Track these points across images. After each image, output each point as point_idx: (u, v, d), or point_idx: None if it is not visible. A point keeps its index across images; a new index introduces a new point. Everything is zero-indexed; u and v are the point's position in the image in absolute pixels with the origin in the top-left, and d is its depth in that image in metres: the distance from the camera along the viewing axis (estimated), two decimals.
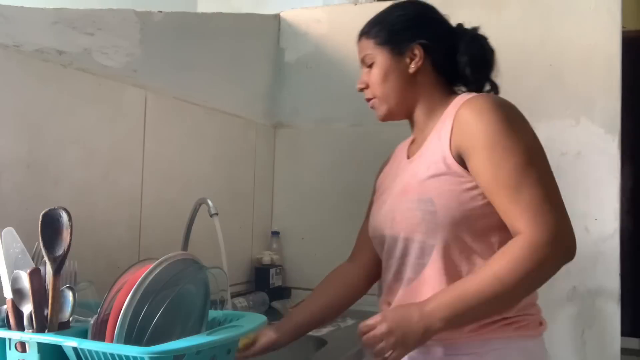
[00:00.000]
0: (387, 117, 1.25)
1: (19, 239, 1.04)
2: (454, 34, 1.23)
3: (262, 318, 1.10)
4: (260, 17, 2.32)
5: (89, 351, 0.92)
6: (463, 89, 1.25)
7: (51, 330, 0.98)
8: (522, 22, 2.07)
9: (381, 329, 1.03)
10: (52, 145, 1.34)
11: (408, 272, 1.16)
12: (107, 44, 1.51)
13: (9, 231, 1.03)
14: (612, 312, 1.92)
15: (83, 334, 0.99)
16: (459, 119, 1.11)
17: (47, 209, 1.00)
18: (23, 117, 1.27)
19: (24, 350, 0.96)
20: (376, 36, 1.22)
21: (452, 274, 1.10)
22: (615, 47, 1.96)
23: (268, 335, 1.28)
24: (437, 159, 1.12)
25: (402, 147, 1.33)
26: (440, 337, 1.07)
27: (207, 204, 1.61)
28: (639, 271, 3.10)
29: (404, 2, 1.27)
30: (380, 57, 1.21)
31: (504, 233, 1.08)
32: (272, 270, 2.17)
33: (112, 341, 0.94)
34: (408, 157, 1.26)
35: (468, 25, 1.29)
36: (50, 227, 1.00)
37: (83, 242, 1.23)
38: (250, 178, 2.20)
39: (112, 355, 0.90)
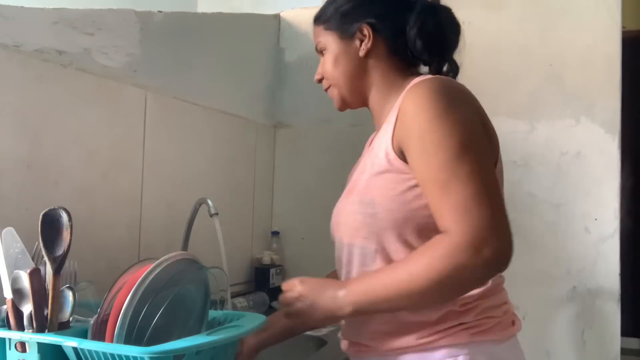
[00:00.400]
0: (343, 105, 1.19)
1: (19, 239, 1.04)
2: (406, 8, 1.11)
3: (262, 318, 1.10)
4: (260, 17, 2.32)
5: (89, 351, 0.92)
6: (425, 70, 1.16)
7: (51, 330, 0.98)
8: (522, 22, 2.07)
9: (294, 292, 1.03)
10: (52, 145, 1.34)
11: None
12: (107, 44, 1.51)
13: (9, 231, 1.03)
14: (612, 312, 1.92)
15: (83, 334, 0.99)
16: (402, 107, 1.01)
17: (47, 209, 1.00)
18: (23, 117, 1.27)
19: (24, 350, 0.96)
20: (325, 21, 1.15)
21: None
22: (615, 47, 1.96)
23: (255, 335, 1.23)
24: (381, 155, 1.03)
25: (370, 139, 1.24)
26: (389, 345, 1.03)
27: (207, 204, 1.61)
28: (639, 271, 3.10)
29: None
30: (331, 42, 1.14)
31: None
32: (272, 270, 2.17)
33: (112, 341, 0.94)
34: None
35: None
36: (50, 227, 1.00)
37: (83, 242, 1.23)
38: (250, 178, 2.20)
39: (112, 355, 0.90)
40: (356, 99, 1.17)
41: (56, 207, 1.01)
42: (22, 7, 1.29)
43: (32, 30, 1.31)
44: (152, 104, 1.64)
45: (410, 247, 1.00)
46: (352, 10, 1.12)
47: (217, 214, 1.57)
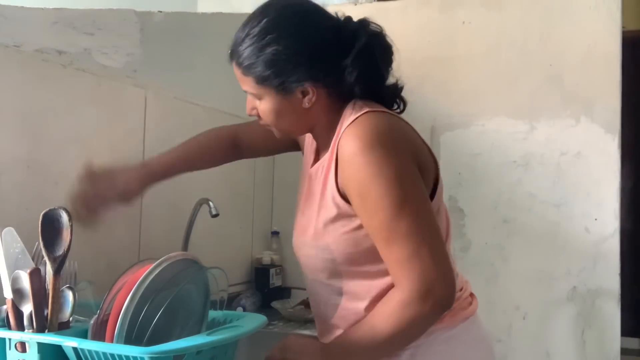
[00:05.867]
0: (286, 137, 1.21)
1: (19, 239, 1.04)
2: (342, 55, 1.07)
3: (262, 318, 1.10)
4: None
5: (89, 351, 0.92)
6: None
7: (51, 330, 0.98)
8: (522, 22, 2.07)
9: (275, 353, 1.06)
10: (52, 145, 1.34)
11: (322, 309, 1.17)
12: (107, 44, 1.51)
13: (9, 231, 1.03)
14: (612, 312, 1.91)
15: (83, 334, 0.99)
16: (339, 154, 1.04)
17: (47, 209, 1.00)
18: (23, 117, 1.27)
19: (24, 350, 0.96)
20: (254, 74, 1.07)
21: (362, 304, 1.09)
22: (615, 47, 1.96)
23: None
24: (328, 200, 1.07)
25: (309, 146, 1.23)
26: None
27: (209, 205, 1.61)
28: (639, 271, 3.10)
29: (272, 25, 1.06)
30: (268, 97, 1.08)
31: None
32: (272, 270, 2.17)
33: (112, 341, 0.94)
34: (312, 165, 1.18)
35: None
36: (50, 227, 1.00)
37: (83, 242, 1.23)
38: (250, 178, 2.20)
39: (112, 355, 0.90)
40: (302, 133, 1.20)
41: (56, 207, 1.01)
42: (22, 7, 1.29)
43: (32, 30, 1.31)
44: (152, 104, 1.64)
45: (368, 274, 1.08)
46: (289, 70, 1.05)
47: (218, 214, 1.57)
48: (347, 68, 1.06)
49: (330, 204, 1.07)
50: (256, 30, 1.07)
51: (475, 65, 2.12)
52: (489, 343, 1.20)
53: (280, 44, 1.04)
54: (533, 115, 2.04)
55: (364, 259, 1.07)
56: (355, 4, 2.32)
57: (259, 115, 1.13)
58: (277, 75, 1.05)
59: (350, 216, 1.05)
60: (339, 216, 1.06)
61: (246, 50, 1.07)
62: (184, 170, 1.38)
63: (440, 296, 0.99)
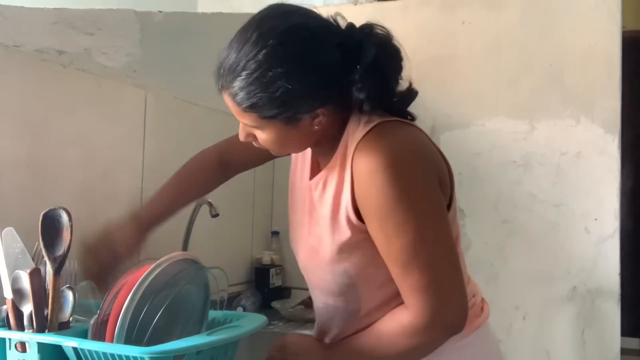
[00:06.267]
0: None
1: (19, 239, 1.04)
2: (349, 71, 0.96)
3: (263, 318, 1.10)
4: None
5: (89, 351, 0.92)
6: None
7: (51, 330, 0.98)
8: (522, 22, 2.07)
9: (274, 354, 1.06)
10: (52, 145, 1.34)
11: (340, 324, 1.11)
12: (107, 44, 1.51)
13: (9, 231, 1.03)
14: (612, 312, 1.91)
15: (83, 334, 0.99)
16: (356, 171, 0.96)
17: (47, 209, 1.00)
18: (23, 117, 1.27)
19: (24, 350, 0.96)
20: (258, 112, 0.96)
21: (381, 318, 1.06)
22: (615, 47, 1.96)
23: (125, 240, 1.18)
24: (342, 222, 1.00)
25: (304, 156, 1.16)
26: None
27: (209, 205, 1.61)
28: (639, 271, 3.10)
29: (273, 57, 0.93)
30: (273, 128, 0.98)
31: None
32: (272, 270, 2.17)
33: (112, 341, 0.94)
34: (310, 177, 1.11)
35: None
36: (50, 227, 1.00)
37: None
38: (250, 178, 2.20)
39: (112, 355, 0.90)
40: (302, 151, 1.13)
41: (56, 207, 1.01)
42: (22, 7, 1.29)
43: (32, 30, 1.31)
44: (152, 104, 1.64)
45: (389, 292, 1.03)
46: (299, 103, 0.95)
47: (218, 214, 1.57)
48: (356, 84, 0.96)
49: (345, 227, 1.00)
50: (254, 64, 0.93)
51: (475, 65, 2.12)
52: (498, 350, 1.18)
53: (289, 79, 0.92)
54: (533, 115, 2.04)
55: (384, 279, 1.02)
56: (356, 4, 2.32)
57: (255, 141, 1.03)
58: (286, 111, 0.95)
59: (367, 238, 0.99)
60: (357, 239, 1.00)
61: (245, 89, 0.95)
62: (179, 209, 1.30)
63: (451, 323, 0.98)
